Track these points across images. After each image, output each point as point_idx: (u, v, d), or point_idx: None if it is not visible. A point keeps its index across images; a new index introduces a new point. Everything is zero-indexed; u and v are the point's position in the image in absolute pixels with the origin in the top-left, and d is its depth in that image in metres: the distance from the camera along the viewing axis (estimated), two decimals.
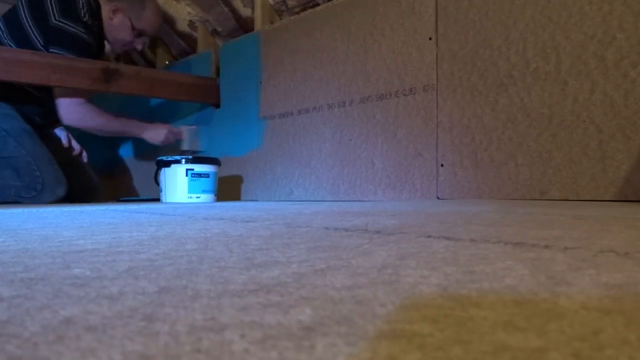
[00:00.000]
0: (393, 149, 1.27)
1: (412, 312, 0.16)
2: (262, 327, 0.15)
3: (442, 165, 1.18)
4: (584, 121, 0.98)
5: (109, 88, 1.56)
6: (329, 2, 1.46)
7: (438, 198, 1.19)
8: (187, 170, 1.54)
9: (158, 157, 1.52)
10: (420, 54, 1.23)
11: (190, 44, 2.01)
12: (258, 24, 1.66)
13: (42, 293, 0.20)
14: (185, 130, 1.74)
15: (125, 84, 1.57)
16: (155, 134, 1.72)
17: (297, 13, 1.60)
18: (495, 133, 1.10)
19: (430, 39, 1.21)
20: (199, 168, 1.56)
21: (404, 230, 0.42)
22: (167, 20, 1.96)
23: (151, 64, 2.20)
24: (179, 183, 1.53)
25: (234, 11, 1.79)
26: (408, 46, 1.25)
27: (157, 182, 1.55)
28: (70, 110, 1.63)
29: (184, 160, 1.51)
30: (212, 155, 1.81)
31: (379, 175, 1.30)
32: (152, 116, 1.98)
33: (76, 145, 1.78)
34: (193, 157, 1.51)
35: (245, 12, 1.76)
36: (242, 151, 1.69)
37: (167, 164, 1.51)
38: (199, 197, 1.52)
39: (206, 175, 1.54)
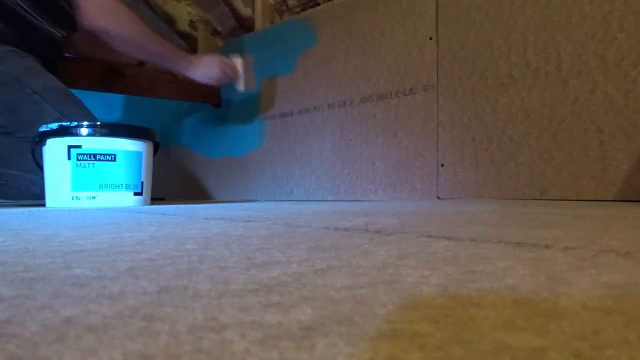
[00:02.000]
0: (393, 149, 1.27)
1: (413, 312, 0.16)
2: (262, 327, 0.15)
3: (442, 165, 1.18)
4: (585, 121, 0.98)
5: (109, 88, 1.56)
6: (329, 2, 1.46)
7: (438, 198, 1.19)
8: (69, 148, 0.95)
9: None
10: (420, 53, 1.22)
11: (190, 44, 2.01)
12: (258, 24, 1.66)
13: (42, 293, 0.20)
14: (239, 63, 1.38)
15: (125, 84, 1.57)
16: (207, 70, 1.32)
17: (298, 13, 1.60)
18: (496, 133, 1.09)
19: (430, 38, 1.21)
20: (94, 144, 0.95)
21: (405, 230, 0.42)
22: (167, 20, 1.96)
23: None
24: (56, 172, 0.97)
25: (234, 11, 1.79)
26: (408, 46, 1.25)
27: (40, 167, 1.02)
28: (110, 11, 1.15)
29: (72, 129, 0.95)
30: (214, 155, 1.81)
31: (380, 175, 1.30)
32: (152, 116, 1.98)
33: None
34: (90, 125, 0.97)
35: (245, 11, 1.76)
36: (242, 151, 1.69)
37: (42, 138, 0.97)
38: (93, 197, 0.96)
39: (109, 157, 0.96)
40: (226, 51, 1.76)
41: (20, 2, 1.14)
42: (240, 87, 1.39)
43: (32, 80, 1.10)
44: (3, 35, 1.12)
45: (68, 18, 1.20)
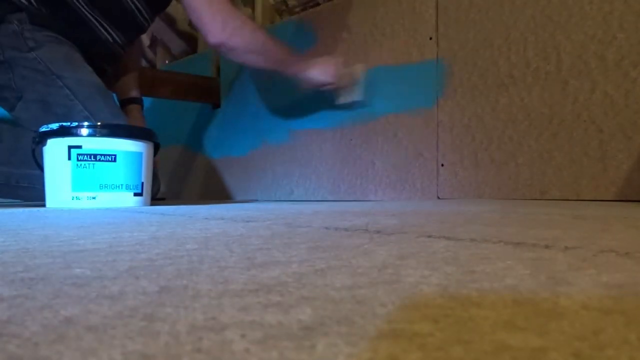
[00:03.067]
0: (393, 149, 1.27)
1: (413, 311, 0.16)
2: (262, 327, 0.15)
3: (442, 165, 1.18)
4: (585, 121, 0.98)
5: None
6: (330, 2, 1.46)
7: (438, 198, 1.19)
8: (69, 148, 0.95)
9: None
10: (420, 53, 1.22)
11: (190, 44, 2.01)
12: (258, 24, 1.66)
13: (42, 293, 0.20)
14: (359, 70, 1.26)
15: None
16: (324, 72, 1.23)
17: (298, 13, 1.60)
18: (496, 133, 1.09)
19: (430, 38, 1.21)
20: (95, 144, 0.96)
21: (405, 230, 0.42)
22: (168, 20, 1.96)
23: (151, 64, 2.20)
24: (57, 172, 0.97)
25: None
26: (408, 46, 1.25)
27: (40, 167, 1.01)
28: (225, 18, 1.08)
29: (72, 129, 0.95)
30: (214, 155, 1.81)
31: (380, 175, 1.30)
32: (152, 116, 1.98)
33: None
34: (91, 125, 0.96)
35: (245, 11, 1.76)
36: (242, 151, 1.69)
37: (42, 138, 0.97)
38: (93, 198, 0.95)
39: (109, 157, 0.96)
40: None
41: (87, 8, 1.11)
42: (352, 97, 1.27)
43: (65, 72, 1.07)
44: (47, 23, 1.08)
45: (129, 25, 1.17)
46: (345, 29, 1.39)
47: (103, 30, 1.16)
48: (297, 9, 1.62)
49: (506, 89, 1.08)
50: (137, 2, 1.15)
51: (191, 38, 1.98)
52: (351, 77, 1.25)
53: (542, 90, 1.03)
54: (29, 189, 1.11)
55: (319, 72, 1.23)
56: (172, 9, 1.91)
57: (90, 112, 1.07)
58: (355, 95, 1.27)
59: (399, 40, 1.27)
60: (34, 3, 1.08)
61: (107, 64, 1.25)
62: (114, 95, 1.33)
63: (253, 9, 1.70)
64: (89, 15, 1.12)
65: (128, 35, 1.21)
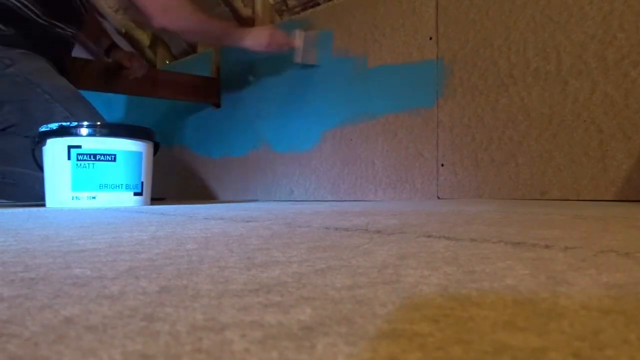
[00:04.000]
0: (393, 149, 1.27)
1: (413, 312, 0.16)
2: (262, 327, 0.15)
3: (442, 165, 1.18)
4: (585, 121, 0.98)
5: (109, 87, 1.56)
6: (330, 2, 1.46)
7: (438, 198, 1.19)
8: (69, 148, 0.94)
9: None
10: (420, 53, 1.22)
11: (190, 44, 2.01)
12: (259, 24, 1.65)
13: (42, 293, 0.20)
14: (298, 35, 1.40)
15: (125, 84, 1.57)
16: (257, 38, 1.36)
17: (298, 13, 1.60)
18: (496, 133, 1.09)
19: (430, 38, 1.21)
20: (94, 144, 0.95)
21: (405, 230, 0.42)
22: None
23: (151, 64, 2.20)
24: (56, 172, 0.96)
25: (234, 11, 1.79)
26: (408, 46, 1.25)
27: (40, 167, 1.02)
28: (165, 6, 1.21)
29: (72, 129, 0.95)
30: (214, 155, 1.81)
31: (380, 175, 1.30)
32: (152, 116, 1.98)
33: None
34: (90, 125, 0.96)
35: (245, 12, 1.76)
36: (242, 151, 1.69)
37: (42, 138, 0.97)
38: (93, 198, 0.95)
39: (109, 157, 0.96)
40: (226, 50, 1.76)
41: (30, 6, 1.17)
42: (297, 58, 1.40)
43: (43, 81, 1.13)
44: (15, 41, 1.16)
45: (78, 17, 1.28)
46: (345, 29, 1.39)
47: (59, 29, 1.25)
48: (297, 9, 1.61)
49: (506, 89, 1.08)
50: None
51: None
52: (291, 41, 1.39)
53: (542, 90, 1.03)
54: (14, 186, 1.13)
55: (252, 40, 1.37)
56: None
57: (70, 112, 1.11)
58: (300, 57, 1.40)
59: (399, 41, 1.27)
60: (2, 27, 1.16)
61: (68, 55, 1.36)
62: None
63: (253, 9, 1.70)
64: (45, 22, 1.21)
65: (77, 26, 1.32)
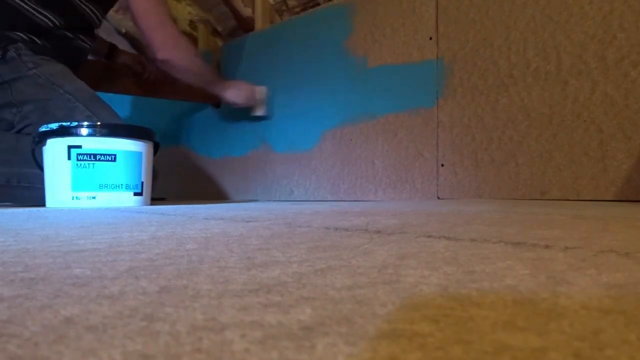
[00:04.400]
0: (393, 149, 1.27)
1: (413, 312, 0.16)
2: (262, 327, 0.15)
3: (442, 165, 1.18)
4: (585, 121, 0.98)
5: (110, 88, 1.56)
6: (330, 2, 1.46)
7: (438, 198, 1.19)
8: (69, 148, 0.95)
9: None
10: (420, 53, 1.22)
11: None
12: (259, 24, 1.66)
13: (42, 293, 0.20)
14: (262, 92, 1.54)
15: (126, 84, 1.57)
16: (237, 92, 1.49)
17: (298, 13, 1.60)
18: (496, 133, 1.09)
19: (430, 38, 1.21)
20: (94, 144, 0.95)
21: (405, 230, 0.42)
22: None
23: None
24: (57, 172, 0.96)
25: (234, 11, 1.79)
26: (408, 46, 1.25)
27: (40, 167, 1.02)
28: (174, 42, 1.27)
29: (72, 129, 0.95)
30: (214, 155, 1.81)
31: (380, 175, 1.30)
32: (152, 116, 1.98)
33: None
34: (90, 125, 0.97)
35: (245, 12, 1.76)
36: (242, 151, 1.69)
37: (42, 138, 0.98)
38: (93, 198, 0.95)
39: (109, 157, 0.96)
40: (226, 50, 1.76)
41: (53, 19, 1.23)
42: (261, 112, 1.55)
43: (65, 82, 1.18)
44: (41, 50, 1.21)
45: (93, 29, 1.35)
46: (345, 29, 1.39)
47: (81, 42, 1.31)
48: (297, 9, 1.62)
49: (506, 89, 1.08)
50: (92, 8, 1.29)
51: (191, 38, 1.98)
52: (258, 95, 1.54)
53: (542, 90, 1.03)
54: (30, 189, 1.12)
55: (234, 93, 1.49)
56: (172, 9, 1.91)
57: (92, 112, 1.13)
58: (261, 110, 1.55)
59: (399, 41, 1.27)
60: (26, 37, 1.21)
61: (81, 62, 1.39)
62: None
63: (253, 9, 1.70)
64: (67, 33, 1.26)
65: (93, 35, 1.37)
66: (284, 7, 1.64)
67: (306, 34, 1.49)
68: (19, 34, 1.19)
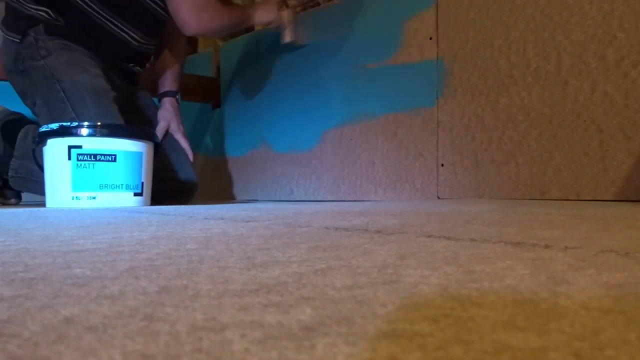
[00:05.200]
0: (393, 149, 1.27)
1: (413, 311, 0.16)
2: (262, 327, 0.15)
3: (442, 165, 1.18)
4: (585, 121, 0.98)
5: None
6: (330, 2, 1.46)
7: (438, 198, 1.19)
8: (69, 148, 0.95)
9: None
10: (420, 53, 1.22)
11: (190, 44, 2.01)
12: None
13: (42, 293, 0.20)
14: (286, 13, 1.40)
15: None
16: (266, 12, 1.37)
17: (298, 12, 1.60)
18: (496, 133, 1.09)
19: (430, 38, 1.21)
20: (95, 144, 0.95)
21: (405, 230, 0.42)
22: None
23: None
24: (57, 172, 0.96)
25: None
26: (408, 46, 1.25)
27: (40, 167, 1.03)
28: (200, 9, 1.19)
29: (72, 129, 0.95)
30: (214, 155, 1.81)
31: (380, 175, 1.30)
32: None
33: (185, 144, 1.35)
34: (91, 125, 0.96)
35: None
36: (242, 151, 1.69)
37: (42, 138, 0.98)
38: (93, 198, 0.95)
39: (109, 157, 0.96)
40: (226, 50, 1.76)
41: (88, 1, 1.16)
42: (287, 38, 1.41)
43: (65, 76, 1.13)
44: (64, 32, 1.15)
45: (152, 24, 1.25)
46: (345, 28, 1.39)
47: (120, 32, 1.21)
48: (297, 9, 1.61)
49: (506, 89, 1.08)
50: None
51: (191, 38, 1.98)
52: (286, 17, 1.40)
53: (542, 90, 1.03)
54: (36, 183, 1.13)
55: (262, 13, 1.36)
56: None
57: (77, 113, 1.10)
58: (291, 36, 1.40)
59: (399, 40, 1.27)
60: (52, 15, 1.15)
61: (136, 63, 1.31)
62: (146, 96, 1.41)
63: None
64: (104, 19, 1.19)
65: (148, 32, 1.27)
66: (284, 7, 1.64)
67: (306, 35, 1.48)
68: (46, 10, 1.14)
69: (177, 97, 1.42)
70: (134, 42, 1.24)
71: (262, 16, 1.36)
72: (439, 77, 1.19)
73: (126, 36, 1.22)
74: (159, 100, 1.40)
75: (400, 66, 1.26)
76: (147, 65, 1.39)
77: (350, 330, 0.14)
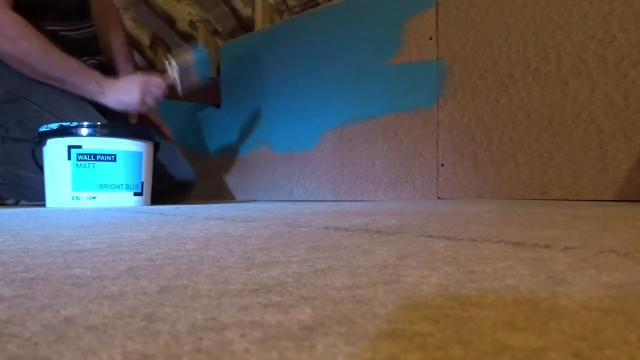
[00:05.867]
0: (393, 149, 1.27)
1: (413, 312, 0.16)
2: (262, 327, 0.15)
3: (442, 165, 1.18)
4: (585, 121, 0.98)
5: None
6: (330, 2, 1.46)
7: (438, 198, 1.19)
8: (69, 148, 0.95)
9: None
10: (420, 53, 1.22)
11: (190, 44, 2.01)
12: (259, 24, 1.66)
13: (42, 293, 0.20)
14: (173, 70, 1.17)
15: None
16: (123, 96, 1.09)
17: (298, 13, 1.60)
18: (496, 133, 1.09)
19: (430, 38, 1.21)
20: (94, 144, 0.95)
21: (405, 230, 0.42)
22: (168, 20, 1.96)
23: (151, 64, 2.20)
24: (57, 172, 0.96)
25: (234, 11, 1.79)
26: (408, 46, 1.25)
27: (40, 167, 1.02)
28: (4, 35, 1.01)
29: (72, 129, 0.95)
30: (214, 155, 1.81)
31: (380, 175, 1.30)
32: None
33: (157, 118, 1.22)
34: (90, 125, 0.96)
35: (245, 11, 1.76)
36: (242, 151, 1.69)
37: (42, 138, 0.97)
38: (93, 198, 0.95)
39: (109, 157, 0.96)
40: (226, 50, 1.76)
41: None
42: (180, 91, 1.19)
43: (31, 91, 1.09)
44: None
45: (76, 13, 1.17)
46: (345, 28, 1.39)
47: (51, 29, 1.13)
48: (297, 9, 1.62)
49: (506, 89, 1.08)
50: None
51: (191, 38, 1.98)
52: (169, 80, 1.17)
53: (542, 90, 1.03)
54: (27, 188, 1.13)
55: (118, 95, 1.09)
56: (172, 9, 1.91)
57: (58, 117, 1.05)
58: (181, 89, 1.19)
59: (399, 40, 1.27)
60: None
61: (88, 56, 1.21)
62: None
63: (253, 9, 1.70)
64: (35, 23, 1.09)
65: (70, 17, 1.17)
66: (284, 7, 1.64)
67: (306, 35, 1.49)
68: None
69: None
70: (69, 33, 1.16)
71: (114, 103, 1.10)
72: (439, 77, 1.19)
73: (63, 31, 1.14)
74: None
75: (400, 66, 1.26)
76: (100, 57, 1.27)
77: (350, 330, 0.14)
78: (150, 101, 1.11)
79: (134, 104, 1.09)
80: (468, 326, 0.15)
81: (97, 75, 1.10)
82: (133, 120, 1.21)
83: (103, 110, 1.11)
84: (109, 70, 1.24)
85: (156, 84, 1.12)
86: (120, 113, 1.15)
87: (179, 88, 1.18)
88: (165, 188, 1.21)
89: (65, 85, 1.08)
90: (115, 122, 1.11)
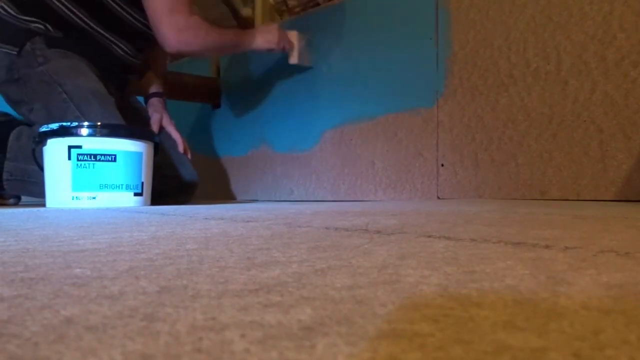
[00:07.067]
0: (393, 149, 1.27)
1: (413, 312, 0.16)
2: (262, 327, 0.15)
3: (442, 165, 1.18)
4: (585, 121, 0.98)
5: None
6: (330, 2, 1.46)
7: (438, 198, 1.19)
8: (69, 148, 0.95)
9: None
10: (420, 53, 1.23)
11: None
12: (258, 24, 1.66)
13: (42, 293, 0.20)
14: (295, 36, 1.39)
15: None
16: (267, 37, 1.34)
17: (298, 13, 1.60)
18: (496, 133, 1.09)
19: (430, 38, 1.21)
20: (95, 144, 0.95)
21: (405, 230, 0.42)
22: None
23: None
24: (57, 172, 0.96)
25: (234, 11, 1.79)
26: (409, 46, 1.25)
27: (40, 167, 1.03)
28: (180, 27, 1.18)
29: (72, 129, 0.95)
30: (214, 155, 1.81)
31: (380, 175, 1.30)
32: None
33: (177, 135, 1.33)
34: (91, 125, 0.97)
35: (245, 11, 1.76)
36: (242, 151, 1.69)
37: (42, 138, 0.98)
38: (93, 198, 0.95)
39: (109, 157, 0.96)
40: None
41: (79, 14, 1.20)
42: (294, 59, 1.40)
43: (66, 80, 1.15)
44: (60, 44, 1.18)
45: (138, 36, 1.27)
46: (345, 28, 1.39)
47: (113, 45, 1.26)
48: (297, 9, 1.61)
49: (506, 89, 1.08)
50: (132, 13, 1.24)
51: None
52: (291, 41, 1.39)
53: (542, 90, 1.03)
54: (34, 184, 1.14)
55: (263, 39, 1.35)
56: None
57: (82, 112, 1.11)
58: (298, 58, 1.40)
59: (399, 40, 1.27)
60: (50, 28, 1.19)
61: (127, 73, 1.37)
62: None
63: (253, 9, 1.70)
64: (97, 34, 1.23)
65: (138, 46, 1.32)
66: (284, 7, 1.64)
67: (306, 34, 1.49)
68: (43, 23, 1.17)
69: (164, 98, 1.44)
70: (126, 55, 1.29)
71: (262, 43, 1.35)
72: (439, 77, 1.19)
73: (118, 50, 1.27)
74: (145, 101, 1.42)
75: (400, 66, 1.26)
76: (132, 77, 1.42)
77: (350, 330, 0.14)
78: (284, 44, 1.36)
79: (275, 41, 1.34)
80: (468, 326, 0.15)
81: (245, 31, 1.39)
82: (155, 129, 1.29)
83: (125, 114, 1.19)
84: (125, 85, 1.38)
85: (284, 33, 1.37)
86: (140, 118, 1.30)
87: (295, 56, 1.39)
88: (171, 188, 1.27)
89: (235, 49, 1.38)
90: (134, 126, 1.15)
